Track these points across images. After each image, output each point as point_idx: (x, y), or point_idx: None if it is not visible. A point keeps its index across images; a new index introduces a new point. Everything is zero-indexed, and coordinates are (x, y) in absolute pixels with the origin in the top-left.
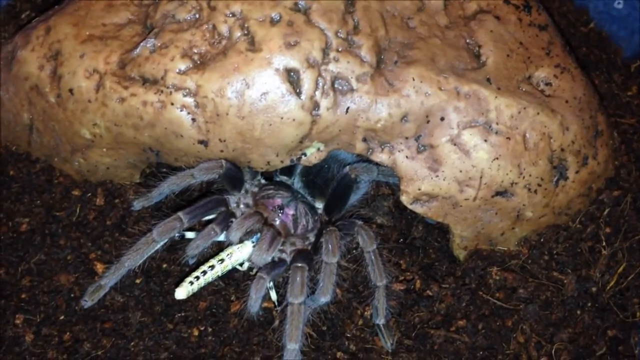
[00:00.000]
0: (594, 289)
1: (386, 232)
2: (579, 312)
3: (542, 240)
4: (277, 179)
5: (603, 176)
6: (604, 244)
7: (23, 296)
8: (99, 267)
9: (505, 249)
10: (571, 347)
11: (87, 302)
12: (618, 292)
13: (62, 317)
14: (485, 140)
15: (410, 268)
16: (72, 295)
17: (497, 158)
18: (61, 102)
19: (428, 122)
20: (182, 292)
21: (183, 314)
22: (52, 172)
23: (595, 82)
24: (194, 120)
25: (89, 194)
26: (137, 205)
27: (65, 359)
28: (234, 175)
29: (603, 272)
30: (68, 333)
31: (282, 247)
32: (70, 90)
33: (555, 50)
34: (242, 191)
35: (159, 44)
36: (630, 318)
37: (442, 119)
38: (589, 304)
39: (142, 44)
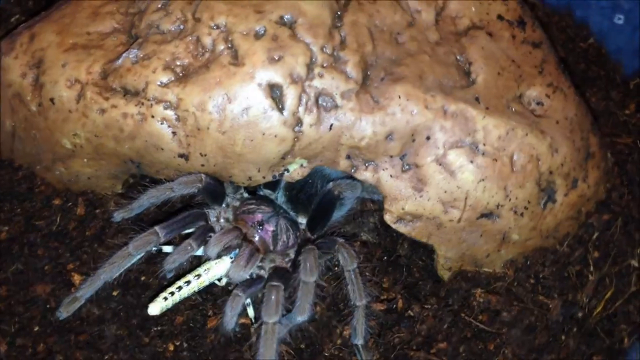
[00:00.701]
0: (580, 314)
1: (370, 249)
2: (563, 337)
3: (528, 263)
4: (261, 193)
5: (593, 199)
6: (591, 268)
7: None
8: (77, 278)
9: (491, 270)
10: None
11: (63, 313)
12: (605, 318)
13: (36, 328)
14: (472, 161)
15: (393, 287)
16: (47, 306)
17: (483, 180)
18: (42, 111)
19: (413, 140)
20: (155, 308)
21: (159, 328)
22: (34, 180)
23: (592, 100)
24: (174, 133)
25: (70, 204)
26: (117, 216)
27: None
28: (214, 189)
29: (590, 297)
30: (42, 344)
31: (260, 264)
32: (52, 100)
33: (548, 68)
34: (223, 205)
35: (141, 55)
36: (617, 344)
37: (428, 138)
38: (575, 329)
39: (124, 54)
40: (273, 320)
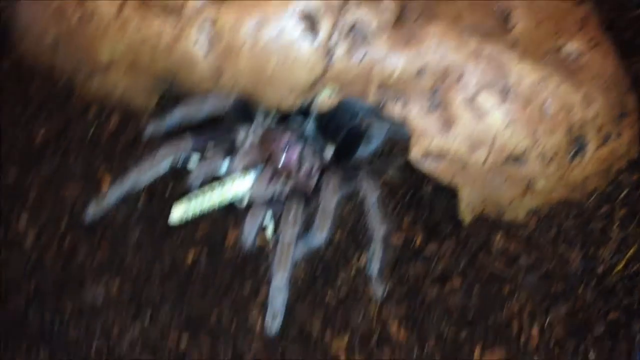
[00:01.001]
0: (600, 269)
1: (394, 188)
2: (581, 289)
3: (552, 213)
4: (291, 120)
5: (625, 157)
6: (616, 226)
7: (31, 200)
8: (105, 183)
9: (513, 217)
10: (567, 321)
11: (90, 214)
12: (626, 277)
13: (64, 225)
14: (502, 104)
15: (413, 225)
16: (76, 205)
17: (511, 123)
18: (83, 24)
19: (445, 79)
20: (177, 215)
21: (180, 237)
22: (72, 91)
23: (633, 68)
24: (208, 52)
25: (105, 115)
26: (150, 129)
27: (61, 263)
28: (244, 109)
29: (612, 254)
30: (68, 240)
31: (282, 185)
32: (92, 13)
33: (590, 25)
34: (252, 127)
35: None
36: (635, 305)
37: (460, 78)
38: (593, 283)
39: None
40: (290, 234)
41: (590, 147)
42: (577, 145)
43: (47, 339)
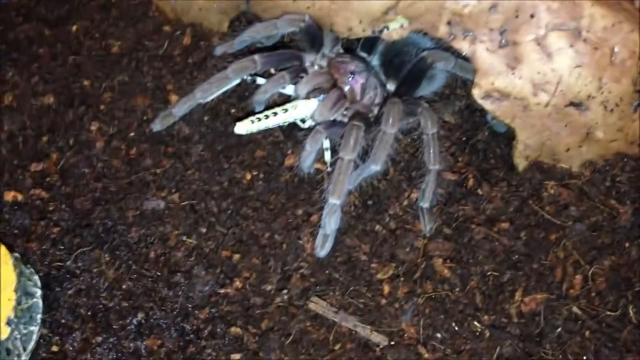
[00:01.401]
0: None
1: (451, 129)
2: (627, 244)
3: (607, 165)
4: (357, 53)
5: None
6: None
7: (102, 108)
8: (173, 98)
9: (568, 167)
10: (610, 274)
11: (157, 125)
12: None
13: (132, 134)
14: (571, 46)
15: (467, 167)
16: (144, 117)
17: (579, 66)
18: None
19: (517, 17)
20: (242, 127)
21: (240, 157)
22: (150, 6)
23: None
24: None
25: (178, 32)
26: (219, 50)
27: (127, 169)
28: (314, 33)
29: None
30: (135, 149)
31: (345, 112)
32: None
33: None
34: (320, 54)
35: None
36: None
37: (532, 16)
38: None
39: None
40: (349, 157)
41: None
42: None
43: (109, 240)
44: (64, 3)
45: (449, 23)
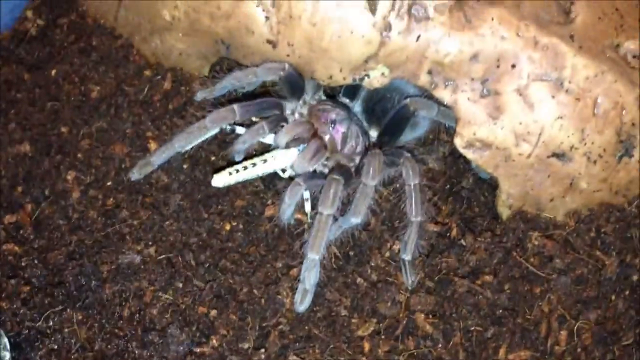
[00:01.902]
0: (635, 277)
1: (435, 176)
2: (613, 296)
3: (592, 216)
4: (339, 100)
5: None
6: None
7: (79, 156)
8: (153, 145)
9: (552, 217)
10: (596, 328)
11: (135, 174)
12: None
13: (109, 183)
14: (553, 97)
15: (450, 216)
16: (122, 165)
17: (561, 117)
18: None
19: (498, 66)
20: (218, 180)
21: (219, 207)
22: (130, 50)
23: None
24: (267, 18)
25: (159, 77)
26: (200, 95)
27: (103, 220)
28: (294, 81)
29: None
30: (112, 199)
31: (325, 162)
32: None
33: None
34: (300, 101)
35: None
36: None
37: (514, 66)
38: (627, 292)
39: None
40: (328, 212)
41: (638, 151)
42: (625, 146)
43: (82, 297)
44: (44, 45)
45: (429, 72)
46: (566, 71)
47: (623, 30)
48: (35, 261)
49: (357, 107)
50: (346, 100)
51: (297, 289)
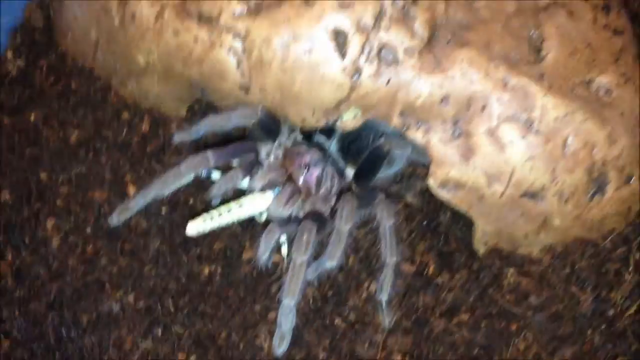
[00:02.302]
0: (611, 312)
1: (412, 213)
2: (589, 331)
3: (567, 251)
4: (315, 139)
5: None
6: (631, 269)
7: (59, 203)
8: (131, 189)
9: (527, 252)
10: None
11: (114, 220)
12: (637, 321)
13: (88, 230)
14: (523, 137)
15: (428, 252)
16: (102, 210)
17: (531, 158)
18: (124, 25)
19: (468, 108)
20: (193, 228)
21: (198, 250)
22: (109, 92)
23: None
24: (238, 64)
25: (137, 119)
26: (177, 138)
27: (83, 268)
28: (268, 125)
29: (625, 297)
30: (91, 245)
31: (301, 205)
32: (133, 15)
33: (625, 58)
34: (276, 143)
35: None
36: None
37: (484, 107)
38: (603, 326)
39: None
40: (301, 258)
41: (611, 187)
42: (597, 184)
43: (62, 348)
44: (25, 87)
45: (401, 114)
46: (536, 112)
47: (595, 65)
48: (16, 312)
49: (333, 145)
50: (322, 139)
51: (275, 332)
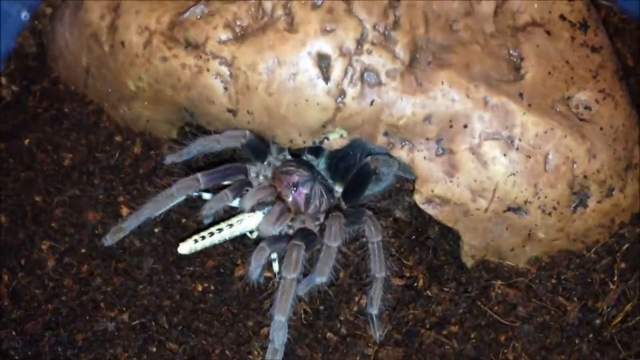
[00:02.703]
0: (597, 321)
1: (401, 227)
2: (577, 341)
3: (552, 263)
4: (304, 158)
5: (629, 211)
6: (616, 278)
7: (53, 225)
8: (125, 210)
9: (514, 265)
10: None
11: (108, 241)
12: (624, 330)
13: (83, 250)
14: (505, 155)
15: (417, 266)
16: (96, 232)
17: (514, 174)
18: (113, 53)
19: (451, 127)
20: (184, 248)
21: (191, 268)
22: (101, 116)
23: None
24: (225, 89)
25: (129, 142)
26: (169, 159)
27: (78, 288)
28: (256, 146)
29: (611, 306)
30: (86, 266)
31: (290, 223)
32: (122, 43)
33: (603, 74)
34: (265, 163)
35: (206, 11)
36: (632, 358)
37: (466, 126)
38: (590, 336)
39: (192, 9)
40: (291, 276)
41: (593, 200)
42: (579, 198)
43: None
44: (18, 112)
45: (386, 133)
46: (516, 129)
47: (574, 82)
48: (13, 333)
49: (321, 164)
50: (311, 158)
51: (267, 348)
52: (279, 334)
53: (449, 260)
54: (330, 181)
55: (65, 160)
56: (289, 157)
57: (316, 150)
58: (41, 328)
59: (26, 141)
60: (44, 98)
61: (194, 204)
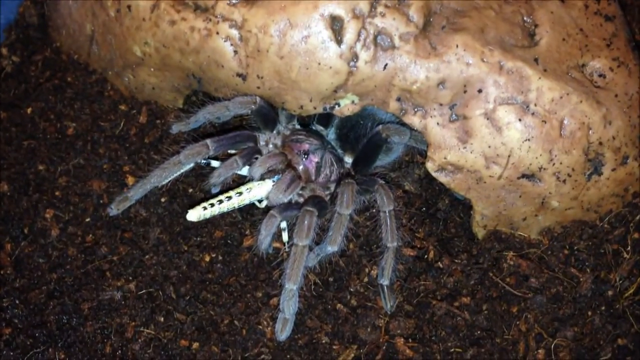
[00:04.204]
0: (610, 292)
1: (411, 199)
2: (589, 312)
3: (565, 233)
4: (313, 127)
5: None
6: (629, 249)
7: (57, 194)
8: (130, 179)
9: (526, 235)
10: (574, 345)
11: (113, 210)
12: (637, 302)
13: (87, 220)
14: (520, 120)
15: (427, 238)
16: (100, 201)
17: (528, 139)
18: (119, 17)
19: (465, 92)
20: (193, 215)
21: (198, 239)
22: (105, 85)
23: None
24: (235, 52)
25: (134, 111)
26: (175, 128)
27: (83, 257)
28: (266, 113)
29: (624, 277)
30: (90, 235)
31: (301, 192)
32: (129, 7)
33: (617, 43)
34: (274, 132)
35: None
36: None
37: (480, 91)
38: (603, 307)
39: None
40: (303, 243)
41: (607, 168)
42: (593, 165)
43: (63, 336)
44: (20, 82)
45: (398, 99)
46: (531, 94)
47: (588, 49)
48: (17, 301)
49: (331, 134)
50: (320, 128)
51: (277, 318)
52: (289, 303)
53: (460, 232)
54: (340, 151)
55: (69, 129)
56: (297, 126)
57: (325, 120)
58: (45, 297)
59: (28, 110)
60: (46, 68)
61: (200, 174)
